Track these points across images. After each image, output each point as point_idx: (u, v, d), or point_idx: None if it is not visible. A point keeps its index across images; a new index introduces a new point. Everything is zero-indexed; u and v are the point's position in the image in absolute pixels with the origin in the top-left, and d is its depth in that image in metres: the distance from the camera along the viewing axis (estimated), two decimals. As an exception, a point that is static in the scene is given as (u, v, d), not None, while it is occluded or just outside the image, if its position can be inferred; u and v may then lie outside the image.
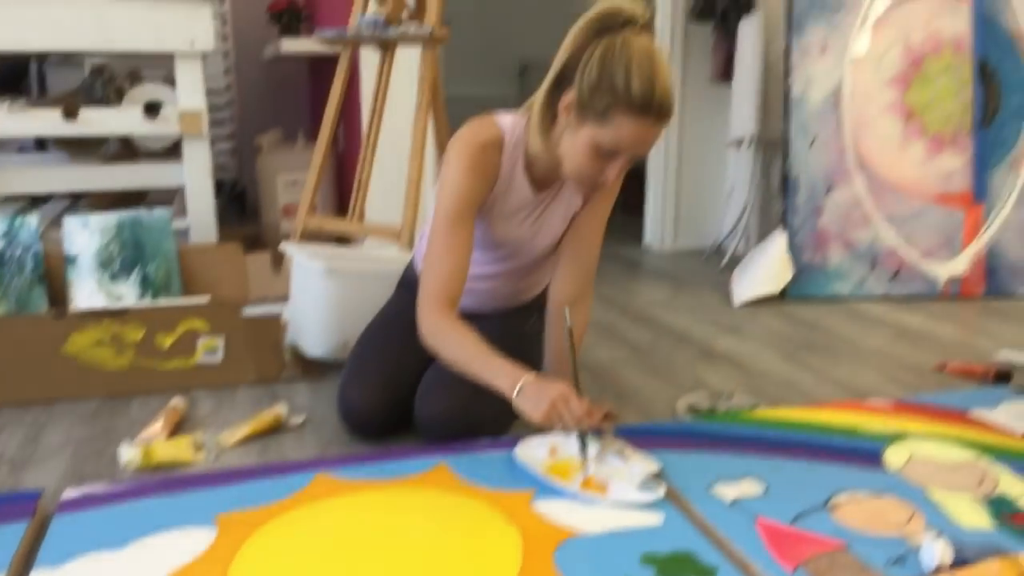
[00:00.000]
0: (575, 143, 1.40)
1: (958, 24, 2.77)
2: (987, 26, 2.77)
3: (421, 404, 1.58)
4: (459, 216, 1.48)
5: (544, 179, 1.55)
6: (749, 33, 3.05)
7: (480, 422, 1.58)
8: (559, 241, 1.65)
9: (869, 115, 2.77)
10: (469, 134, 1.49)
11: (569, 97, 1.37)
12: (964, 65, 2.78)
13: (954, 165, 2.79)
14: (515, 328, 1.71)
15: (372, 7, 2.51)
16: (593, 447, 1.47)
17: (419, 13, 2.56)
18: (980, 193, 2.79)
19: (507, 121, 1.53)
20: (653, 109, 1.32)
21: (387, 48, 2.56)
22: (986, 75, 2.79)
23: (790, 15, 2.76)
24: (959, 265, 2.78)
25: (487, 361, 1.43)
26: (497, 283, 1.71)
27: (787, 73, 2.76)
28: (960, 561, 1.16)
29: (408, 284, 1.81)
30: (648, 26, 1.36)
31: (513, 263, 1.67)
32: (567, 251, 1.63)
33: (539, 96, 1.44)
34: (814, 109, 2.76)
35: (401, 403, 1.62)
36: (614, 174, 1.41)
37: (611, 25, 1.35)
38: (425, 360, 1.67)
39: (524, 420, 1.73)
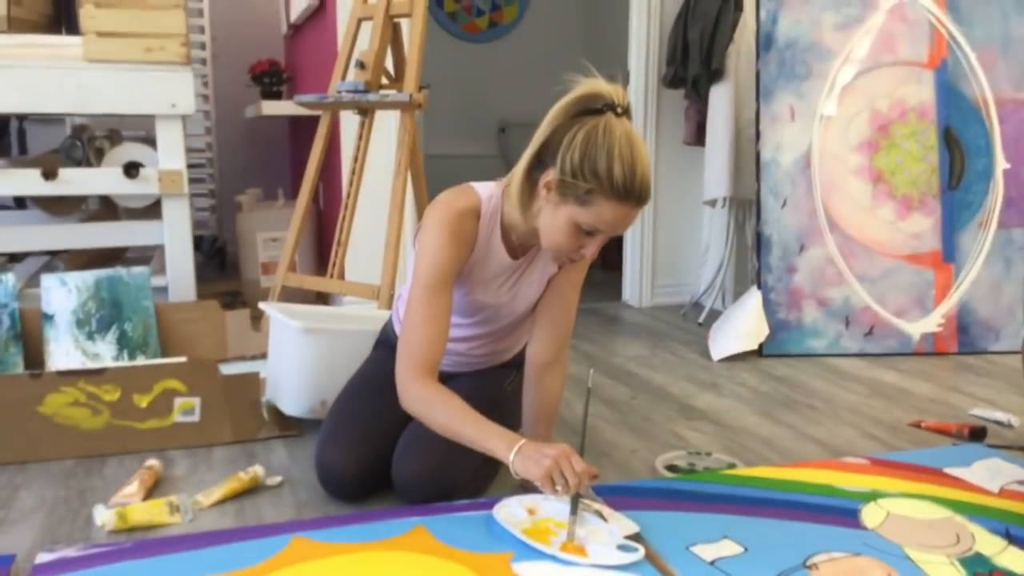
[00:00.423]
0: (555, 220, 1.42)
1: (923, 92, 2.87)
2: (950, 94, 2.87)
3: (399, 466, 1.58)
4: (437, 284, 1.48)
5: (520, 246, 1.58)
6: (720, 99, 3.14)
7: (458, 483, 1.57)
8: (536, 304, 1.68)
9: (838, 178, 2.84)
10: (447, 202, 1.51)
11: (549, 176, 1.40)
12: (929, 130, 2.87)
13: (923, 226, 2.86)
14: (493, 387, 1.72)
15: (352, 73, 2.56)
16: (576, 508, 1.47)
17: (398, 78, 2.62)
18: (949, 253, 2.86)
19: (484, 190, 1.55)
20: (633, 195, 1.35)
21: (366, 112, 2.61)
22: (951, 140, 2.88)
23: (759, 83, 2.84)
24: (931, 323, 2.83)
25: (479, 426, 1.44)
26: (475, 345, 1.72)
27: (758, 137, 2.84)
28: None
29: (386, 343, 1.82)
30: (627, 111, 1.41)
31: (491, 327, 1.68)
32: (543, 315, 1.65)
33: (518, 171, 1.47)
34: (785, 172, 2.83)
35: (379, 464, 1.61)
36: (591, 251, 1.44)
37: (592, 108, 1.39)
38: (402, 421, 1.67)
39: (508, 480, 1.73)
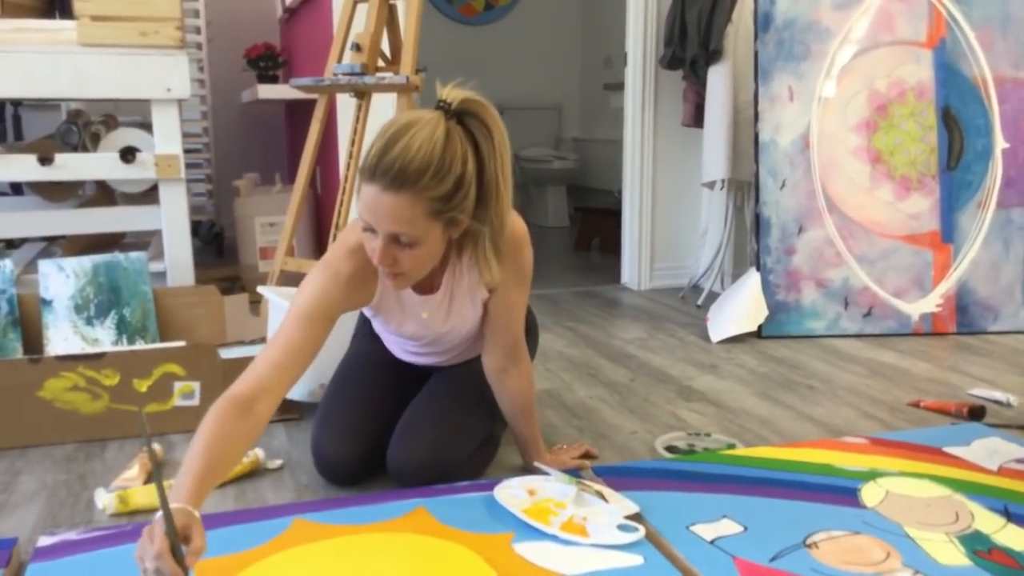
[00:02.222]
0: None
1: (921, 71, 2.85)
2: (949, 73, 2.86)
3: (394, 451, 1.58)
4: (310, 316, 1.37)
5: (427, 279, 1.46)
6: (718, 80, 3.12)
7: (453, 468, 1.58)
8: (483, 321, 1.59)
9: (837, 158, 2.84)
10: (343, 240, 1.43)
11: None
12: (928, 110, 2.86)
13: (921, 207, 2.85)
14: (475, 374, 1.67)
15: (348, 55, 2.54)
16: (571, 489, 1.48)
17: (394, 61, 2.61)
18: (948, 233, 2.85)
19: None
20: (377, 173, 1.24)
21: (363, 95, 2.59)
22: (950, 120, 2.87)
23: (757, 63, 2.83)
24: (930, 303, 2.83)
25: (181, 475, 1.15)
26: (440, 358, 1.70)
27: (756, 118, 2.83)
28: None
29: (365, 328, 1.80)
30: (463, 110, 1.30)
31: (444, 346, 1.64)
32: (488, 331, 1.56)
33: None
34: (783, 153, 2.82)
35: (375, 448, 1.61)
36: (376, 254, 1.30)
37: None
38: (396, 403, 1.67)
39: (508, 461, 1.74)
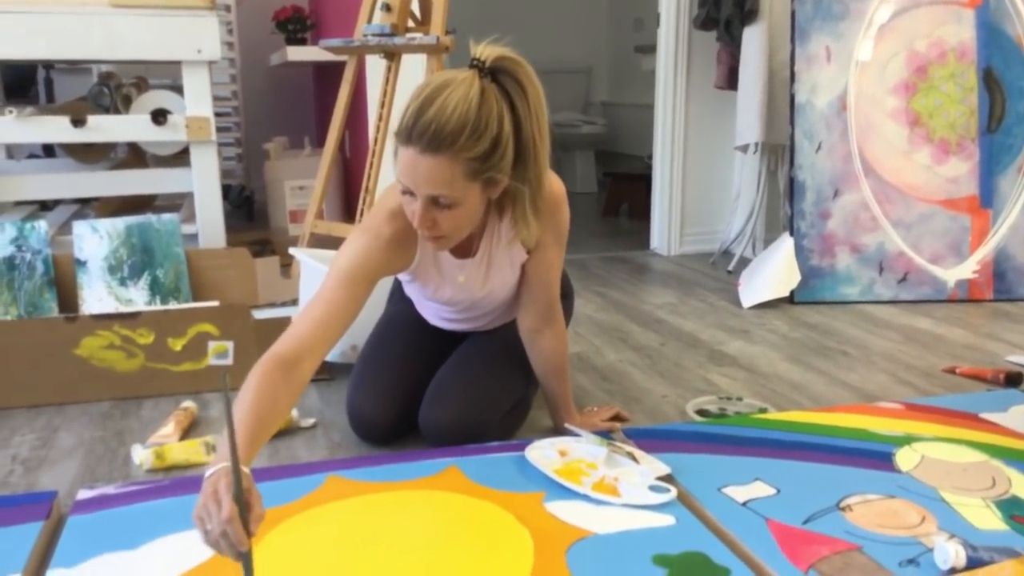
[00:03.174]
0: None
1: (962, 31, 2.78)
2: (991, 33, 2.78)
3: (426, 411, 1.59)
4: (352, 277, 1.36)
5: (464, 242, 1.45)
6: (753, 41, 3.06)
7: (485, 428, 1.58)
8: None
9: (875, 121, 2.78)
10: (383, 204, 1.43)
11: None
12: (969, 72, 2.79)
13: (960, 170, 2.79)
14: (507, 339, 1.68)
15: (378, 16, 2.52)
16: (602, 450, 1.48)
17: (424, 21, 2.58)
18: (987, 198, 2.79)
19: None
20: (413, 135, 1.23)
21: (393, 56, 2.57)
22: (991, 81, 2.80)
23: (794, 23, 2.77)
24: (967, 269, 2.78)
25: (230, 427, 1.01)
26: (474, 323, 1.70)
27: (792, 79, 2.77)
28: (974, 563, 1.16)
29: (400, 291, 1.80)
30: (497, 67, 1.28)
31: (479, 311, 1.64)
32: (524, 292, 1.56)
33: None
34: (819, 115, 2.77)
35: (409, 408, 1.62)
36: (416, 217, 1.29)
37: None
38: (432, 363, 1.67)
39: (538, 423, 1.74)
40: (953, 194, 2.79)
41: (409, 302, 1.76)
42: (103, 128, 2.56)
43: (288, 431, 1.69)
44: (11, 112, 2.44)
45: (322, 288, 1.35)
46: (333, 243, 2.96)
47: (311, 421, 1.73)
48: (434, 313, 1.70)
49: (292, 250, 2.12)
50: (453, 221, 1.31)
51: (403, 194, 1.30)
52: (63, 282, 2.25)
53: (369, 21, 2.57)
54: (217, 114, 2.90)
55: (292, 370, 1.23)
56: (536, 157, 1.32)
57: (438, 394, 1.60)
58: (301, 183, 3.51)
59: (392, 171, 1.34)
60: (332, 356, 1.94)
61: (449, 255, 1.48)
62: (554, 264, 1.54)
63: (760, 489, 1.40)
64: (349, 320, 1.35)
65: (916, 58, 2.78)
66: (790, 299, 2.75)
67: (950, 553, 1.16)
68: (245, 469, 1.04)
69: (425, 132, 1.22)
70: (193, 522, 1.01)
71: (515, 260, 1.51)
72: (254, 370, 1.21)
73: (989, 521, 1.30)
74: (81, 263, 2.26)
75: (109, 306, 2.22)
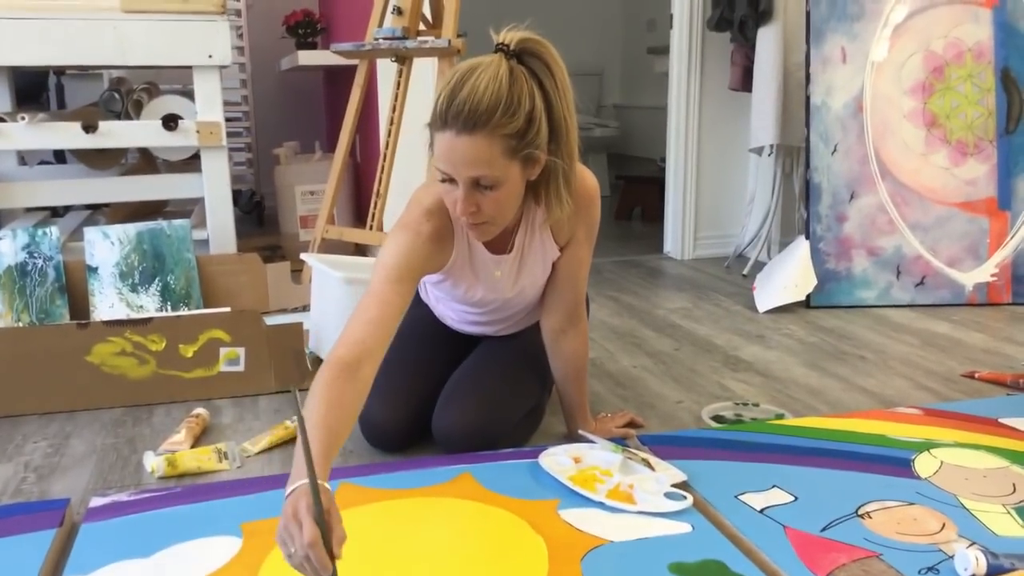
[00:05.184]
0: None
1: (980, 31, 2.75)
2: (1009, 33, 2.75)
3: (440, 417, 1.57)
4: (398, 276, 1.35)
5: (501, 236, 1.45)
6: (768, 42, 3.04)
7: (498, 435, 1.57)
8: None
9: (891, 122, 2.75)
10: (419, 200, 1.42)
11: None
12: (986, 72, 2.76)
13: (978, 172, 2.76)
14: (527, 345, 1.68)
15: (389, 19, 2.51)
16: (617, 457, 1.46)
17: (436, 25, 2.57)
18: (1005, 200, 2.76)
19: None
20: (449, 118, 1.23)
21: (404, 59, 2.56)
22: (1009, 82, 2.77)
23: (809, 24, 2.75)
24: (985, 273, 2.74)
25: (303, 448, 0.99)
26: (497, 327, 1.68)
27: (808, 81, 2.75)
28: (995, 570, 1.14)
29: (415, 298, 1.79)
30: (523, 50, 1.29)
31: (506, 312, 1.63)
32: (551, 290, 1.56)
33: None
34: (835, 116, 2.74)
35: (422, 415, 1.61)
36: (460, 205, 1.28)
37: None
38: (444, 370, 1.66)
39: (552, 429, 1.72)
40: (971, 196, 2.75)
41: (423, 306, 1.75)
42: (114, 134, 2.56)
43: (300, 437, 1.67)
44: (23, 118, 2.45)
45: (371, 288, 1.34)
46: (344, 248, 2.96)
47: (323, 427, 1.72)
48: (458, 315, 1.68)
49: (304, 255, 2.12)
50: (495, 204, 1.30)
51: (443, 182, 1.29)
52: (74, 288, 2.25)
53: (380, 24, 2.56)
54: (227, 119, 2.89)
55: (356, 374, 1.21)
56: (568, 133, 1.34)
57: (451, 400, 1.58)
58: (312, 188, 3.51)
59: (404, 175, 1.34)
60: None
61: (485, 251, 1.47)
62: (584, 261, 1.55)
63: (777, 496, 1.38)
64: (400, 317, 1.34)
65: (933, 58, 2.75)
66: (806, 303, 2.72)
67: (971, 560, 1.14)
68: (325, 485, 1.01)
69: (460, 113, 1.22)
70: (277, 544, 0.99)
71: (548, 257, 1.52)
72: (317, 379, 1.18)
73: (1010, 528, 1.28)
74: (92, 269, 2.26)
75: (120, 312, 2.22)
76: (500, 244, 1.47)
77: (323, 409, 1.13)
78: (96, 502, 1.35)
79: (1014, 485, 1.43)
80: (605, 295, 2.95)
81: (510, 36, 1.28)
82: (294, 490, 1.00)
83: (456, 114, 1.22)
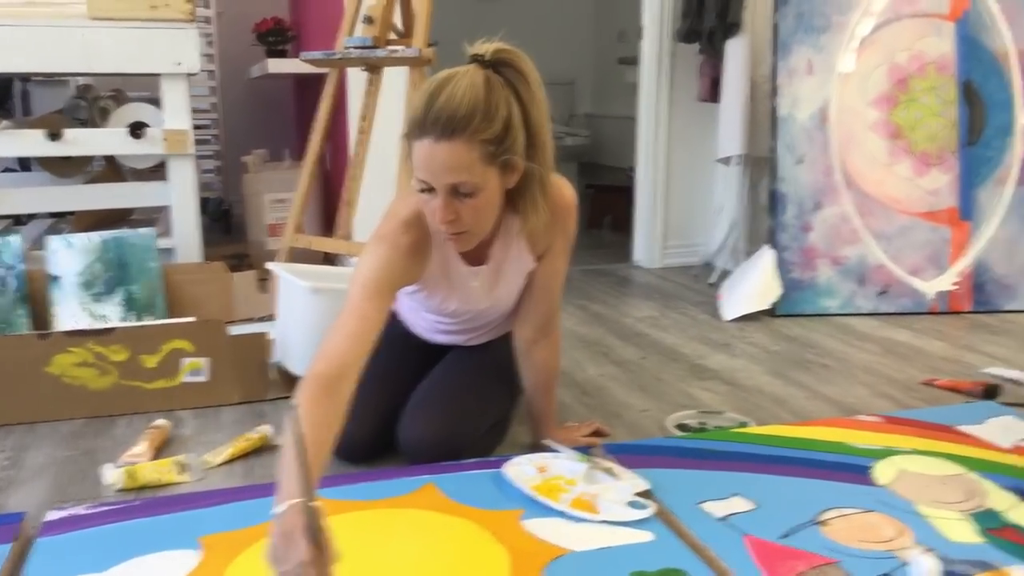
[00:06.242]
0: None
1: (943, 45, 2.80)
2: (971, 46, 2.80)
3: (405, 428, 1.57)
4: (375, 290, 1.35)
5: (476, 249, 1.44)
6: (735, 54, 3.07)
7: (464, 445, 1.56)
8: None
9: (856, 134, 2.79)
10: (395, 213, 1.42)
11: None
12: (949, 84, 2.81)
13: (940, 183, 2.81)
14: (498, 355, 1.68)
15: (359, 28, 2.51)
16: (581, 466, 1.46)
17: (406, 34, 2.57)
18: (966, 210, 2.81)
19: None
20: (427, 124, 1.24)
21: (374, 69, 2.56)
22: (971, 94, 2.82)
23: (776, 36, 2.78)
24: (946, 281, 2.79)
25: (286, 468, 1.06)
26: (468, 336, 1.69)
27: (774, 93, 2.78)
28: (950, 576, 1.16)
29: None
30: (498, 60, 1.30)
31: (480, 322, 1.64)
32: (526, 300, 1.57)
33: None
34: (801, 128, 2.78)
35: (388, 427, 1.60)
36: (438, 213, 1.28)
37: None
38: (410, 383, 1.65)
39: (517, 439, 1.72)
40: (933, 206, 2.80)
41: (390, 316, 1.74)
42: (80, 141, 2.54)
43: (263, 449, 1.66)
44: (-14, 125, 2.42)
45: (349, 302, 1.33)
46: (312, 257, 2.94)
47: (287, 438, 1.71)
48: (429, 324, 1.68)
49: (269, 265, 2.10)
50: (474, 212, 1.31)
51: (422, 192, 1.30)
52: (36, 298, 2.21)
53: (350, 33, 2.56)
54: (196, 126, 2.87)
55: (336, 389, 1.20)
56: (543, 141, 1.35)
57: (418, 410, 1.58)
58: (281, 196, 3.49)
59: (373, 185, 1.34)
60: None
61: (461, 263, 1.48)
62: (560, 272, 1.56)
63: (739, 504, 1.39)
64: (379, 331, 1.33)
65: (897, 71, 2.80)
66: (771, 312, 2.75)
67: (925, 567, 1.16)
68: (319, 504, 1.01)
69: (439, 119, 1.23)
70: (267, 564, 0.98)
71: (524, 269, 1.52)
72: (300, 396, 1.17)
73: (965, 534, 1.30)
74: (55, 278, 2.23)
75: (83, 323, 2.19)
76: (477, 255, 1.48)
77: (308, 428, 1.12)
78: (52, 515, 1.33)
79: (970, 492, 1.45)
80: (574, 304, 2.96)
81: (484, 47, 1.30)
82: (285, 510, 1.00)
83: (434, 121, 1.23)
